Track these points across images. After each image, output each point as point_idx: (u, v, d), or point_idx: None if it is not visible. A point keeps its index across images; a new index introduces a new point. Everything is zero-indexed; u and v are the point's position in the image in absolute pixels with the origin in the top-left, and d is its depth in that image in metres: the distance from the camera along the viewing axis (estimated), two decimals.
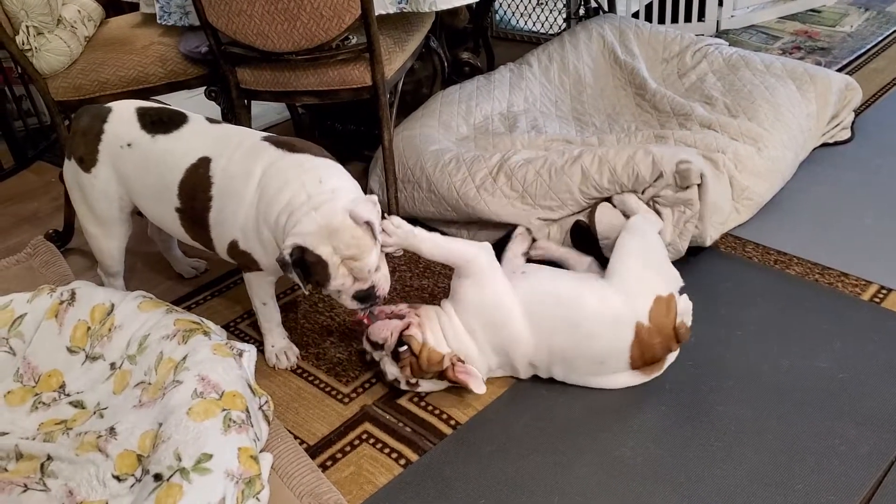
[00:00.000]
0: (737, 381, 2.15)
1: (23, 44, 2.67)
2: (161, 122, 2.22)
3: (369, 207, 1.97)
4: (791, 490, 1.84)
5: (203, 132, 2.20)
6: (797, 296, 2.44)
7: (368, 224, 1.95)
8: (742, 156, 2.74)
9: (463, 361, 2.12)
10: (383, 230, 2.05)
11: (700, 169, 2.46)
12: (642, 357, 2.12)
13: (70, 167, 2.33)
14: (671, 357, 2.20)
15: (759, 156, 2.78)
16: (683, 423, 2.05)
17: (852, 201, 2.86)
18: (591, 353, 2.12)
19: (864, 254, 2.57)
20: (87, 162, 2.27)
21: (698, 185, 2.46)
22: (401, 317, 2.17)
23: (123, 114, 2.26)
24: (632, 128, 3.05)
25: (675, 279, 2.25)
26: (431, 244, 2.15)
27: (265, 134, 2.18)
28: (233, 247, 2.13)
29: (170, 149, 2.17)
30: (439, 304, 2.23)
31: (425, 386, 2.17)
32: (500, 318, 2.13)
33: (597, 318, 2.10)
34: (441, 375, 2.13)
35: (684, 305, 2.18)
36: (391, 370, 2.15)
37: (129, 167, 2.23)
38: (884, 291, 2.41)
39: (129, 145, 2.22)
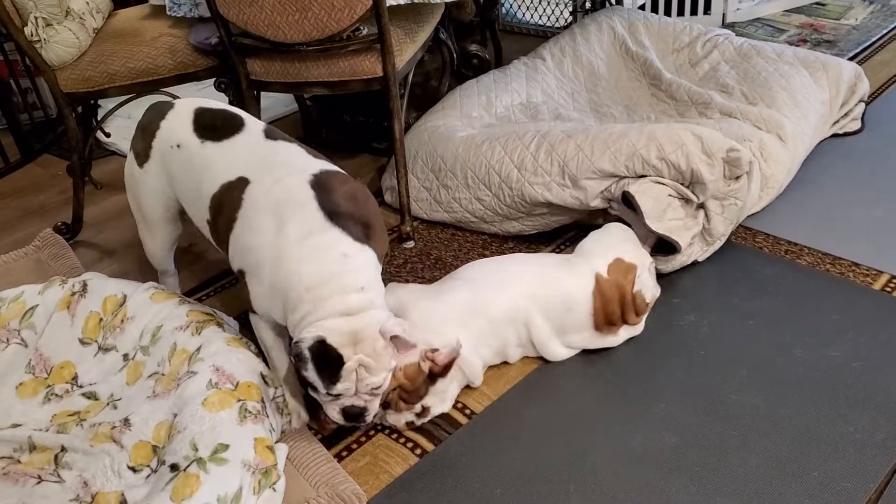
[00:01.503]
0: (750, 371, 2.15)
1: (31, 35, 2.66)
2: (214, 128, 2.13)
3: (398, 327, 1.86)
4: (807, 477, 1.84)
5: (252, 147, 2.09)
6: (808, 286, 2.43)
7: (395, 338, 1.85)
8: (767, 144, 2.75)
9: (434, 350, 2.04)
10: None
11: (749, 157, 2.46)
12: (603, 311, 2.23)
13: (129, 159, 2.30)
14: (631, 331, 2.29)
15: (782, 145, 2.78)
16: (697, 412, 2.05)
17: (862, 192, 2.85)
18: (559, 298, 2.22)
19: (875, 244, 2.57)
20: (142, 157, 2.24)
21: (746, 174, 2.49)
22: None
23: (182, 112, 2.20)
24: (651, 118, 3.05)
25: (642, 257, 2.39)
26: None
27: (315, 169, 2.00)
28: (241, 274, 2.01)
29: (214, 158, 2.08)
30: None
31: (435, 407, 2.09)
32: (475, 303, 2.18)
33: (558, 265, 2.30)
34: (433, 379, 2.05)
35: (646, 280, 2.34)
36: (395, 419, 2.06)
37: (176, 168, 2.16)
38: (895, 281, 2.41)
39: (178, 146, 2.15)
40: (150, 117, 2.25)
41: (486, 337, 2.18)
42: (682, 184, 2.49)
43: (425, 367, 2.03)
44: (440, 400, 2.10)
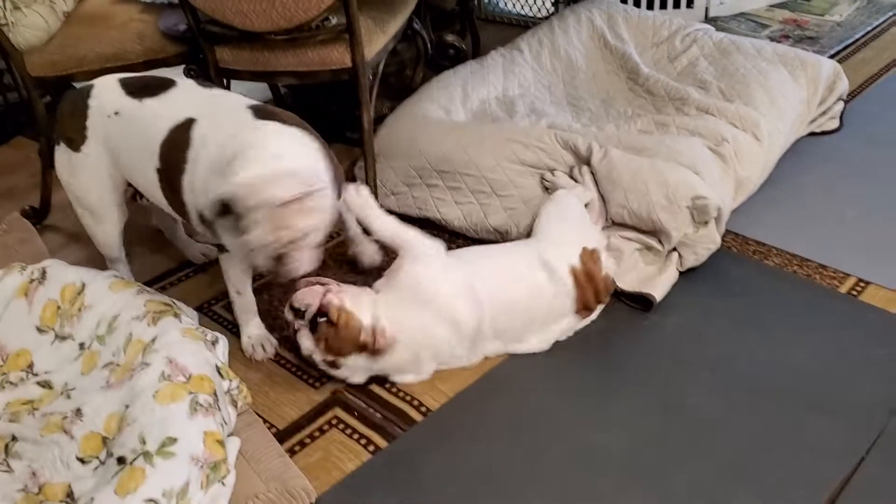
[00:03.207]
0: (712, 373, 2.14)
1: None
2: (147, 87, 2.16)
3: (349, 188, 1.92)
4: (762, 482, 1.84)
5: (192, 94, 2.15)
6: (774, 287, 2.42)
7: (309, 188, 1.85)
8: (742, 144, 2.71)
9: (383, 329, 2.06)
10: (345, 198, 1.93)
11: (717, 203, 2.40)
12: (582, 300, 2.25)
13: (60, 152, 2.27)
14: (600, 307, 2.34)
15: (757, 144, 2.76)
16: (657, 413, 2.04)
17: (835, 193, 2.83)
18: (539, 314, 2.22)
19: (844, 246, 2.55)
20: (77, 140, 2.21)
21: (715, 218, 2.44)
22: (325, 286, 2.11)
23: (107, 85, 2.21)
24: (628, 112, 3.02)
25: (599, 238, 2.41)
26: (382, 223, 2.23)
27: (253, 102, 2.08)
28: (202, 216, 2.02)
29: (157, 111, 2.10)
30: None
31: (343, 370, 2.10)
32: (442, 295, 2.13)
33: (536, 280, 2.22)
34: (361, 351, 2.06)
35: (608, 262, 2.35)
36: (306, 344, 2.08)
37: (118, 136, 2.17)
38: (861, 284, 2.39)
39: (116, 114, 2.15)
40: (71, 102, 2.25)
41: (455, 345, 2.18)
42: (646, 231, 2.47)
43: (364, 336, 2.03)
44: (353, 373, 2.12)
